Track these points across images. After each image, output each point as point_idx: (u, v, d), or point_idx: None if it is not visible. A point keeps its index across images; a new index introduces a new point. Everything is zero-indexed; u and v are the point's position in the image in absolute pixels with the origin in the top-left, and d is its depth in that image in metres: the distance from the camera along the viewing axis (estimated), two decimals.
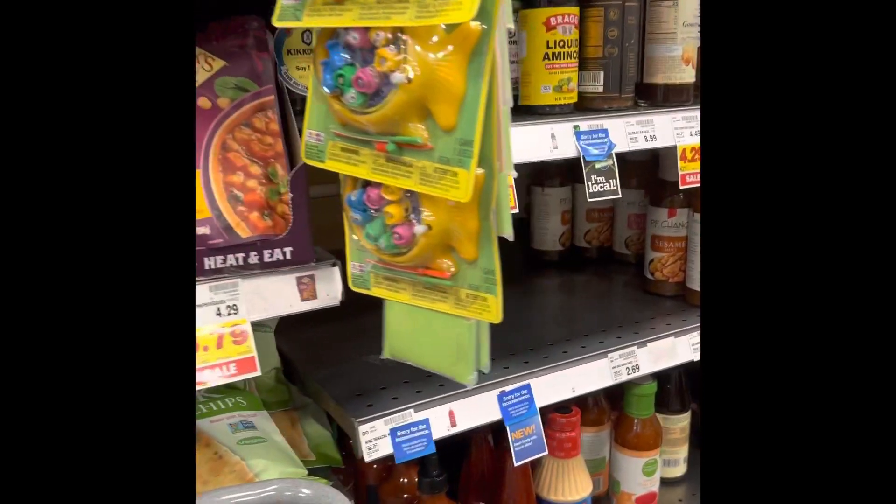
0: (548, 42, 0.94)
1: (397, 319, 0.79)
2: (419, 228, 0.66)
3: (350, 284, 0.79)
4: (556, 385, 1.02)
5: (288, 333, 1.12)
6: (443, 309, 0.72)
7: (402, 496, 1.10)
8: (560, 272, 1.43)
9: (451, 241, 0.68)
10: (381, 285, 0.76)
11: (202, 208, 0.73)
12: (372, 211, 0.69)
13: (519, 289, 1.35)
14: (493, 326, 1.18)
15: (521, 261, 1.49)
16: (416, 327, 0.77)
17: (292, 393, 1.07)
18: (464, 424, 0.95)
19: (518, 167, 0.89)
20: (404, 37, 0.59)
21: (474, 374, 0.74)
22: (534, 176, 1.43)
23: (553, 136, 0.91)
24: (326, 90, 0.64)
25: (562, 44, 0.94)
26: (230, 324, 0.75)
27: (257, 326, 1.07)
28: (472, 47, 0.59)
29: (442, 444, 0.99)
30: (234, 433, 0.92)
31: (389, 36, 0.60)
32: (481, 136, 0.62)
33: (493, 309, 0.69)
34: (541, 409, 1.10)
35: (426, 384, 0.95)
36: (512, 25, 0.69)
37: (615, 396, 1.27)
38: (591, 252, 1.46)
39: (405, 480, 1.10)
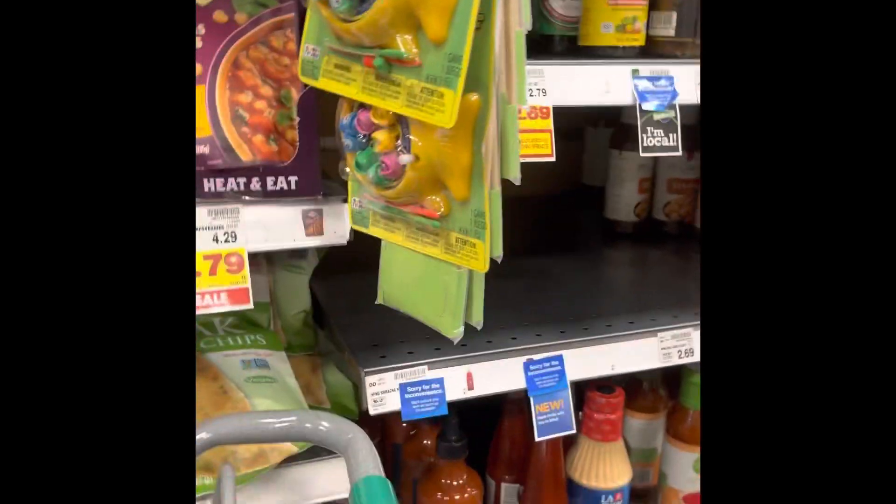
0: None
1: (391, 263, 0.73)
2: (405, 158, 0.59)
3: (349, 221, 0.73)
4: (592, 360, 0.93)
5: (325, 278, 1.08)
6: (432, 253, 0.65)
7: (423, 458, 1.05)
8: (631, 244, 1.32)
9: (441, 177, 0.61)
10: (378, 224, 0.70)
11: (203, 125, 0.70)
12: (361, 137, 0.62)
13: (580, 257, 1.25)
14: (536, 292, 1.11)
15: (592, 230, 1.39)
16: (408, 272, 0.70)
17: (319, 338, 1.04)
18: (482, 389, 0.88)
19: (570, 113, 0.81)
20: None
21: (460, 328, 0.67)
22: (613, 138, 1.32)
23: (606, 80, 0.81)
24: None
25: None
26: (227, 252, 0.71)
27: (291, 267, 1.04)
28: None
29: (473, 407, 0.93)
30: (245, 370, 0.89)
31: None
32: (472, 55, 0.54)
33: (480, 256, 0.61)
34: (579, 384, 1.02)
35: (446, 342, 0.89)
36: None
37: (675, 384, 1.15)
38: (669, 226, 1.34)
39: (428, 442, 1.05)
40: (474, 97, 0.56)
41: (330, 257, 1.05)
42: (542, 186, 1.48)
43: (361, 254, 0.77)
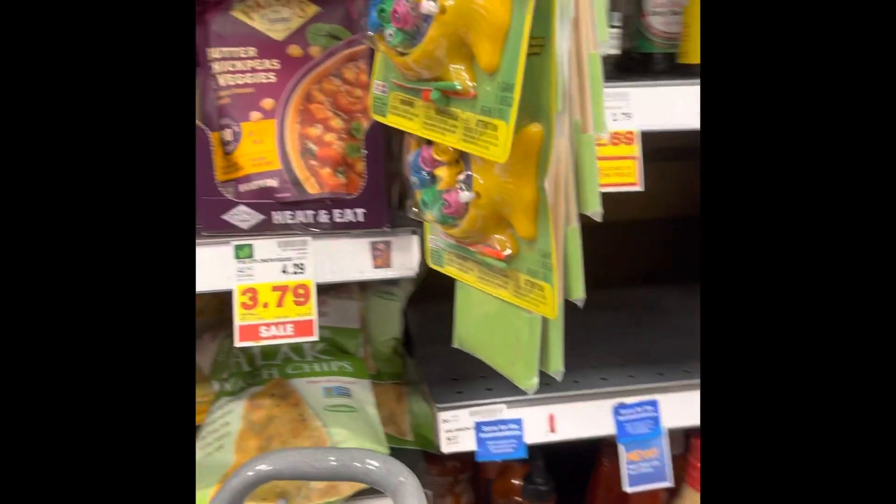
0: None
1: (466, 305, 0.69)
2: (465, 196, 0.56)
3: (428, 258, 0.71)
4: (693, 405, 0.84)
5: (419, 304, 1.07)
6: (503, 296, 0.61)
7: (512, 497, 1.00)
8: None
9: (506, 214, 0.57)
10: (452, 263, 0.67)
11: (272, 160, 0.71)
12: (426, 174, 0.60)
13: (692, 291, 1.15)
14: (635, 328, 1.03)
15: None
16: (481, 315, 0.66)
17: (408, 366, 1.02)
18: (566, 433, 0.83)
19: (658, 137, 0.74)
20: None
21: (534, 380, 0.62)
22: None
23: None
24: (371, 30, 0.56)
25: None
26: (294, 283, 0.72)
27: (384, 293, 1.04)
28: None
29: (568, 448, 0.87)
30: (326, 397, 0.89)
31: None
32: (532, 82, 0.50)
33: (549, 301, 0.56)
34: (683, 432, 0.93)
35: None
36: None
37: None
38: None
39: (517, 482, 1.00)
40: (536, 128, 0.52)
41: (426, 284, 1.04)
42: (658, 209, 1.38)
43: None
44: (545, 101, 0.52)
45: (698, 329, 0.97)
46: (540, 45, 0.51)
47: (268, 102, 0.72)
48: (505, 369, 0.65)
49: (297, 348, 0.97)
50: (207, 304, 1.03)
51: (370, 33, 0.57)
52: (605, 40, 0.57)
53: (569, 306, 0.60)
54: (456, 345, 0.73)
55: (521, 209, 0.56)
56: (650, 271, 1.22)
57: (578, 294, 0.61)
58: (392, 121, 0.63)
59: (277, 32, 0.73)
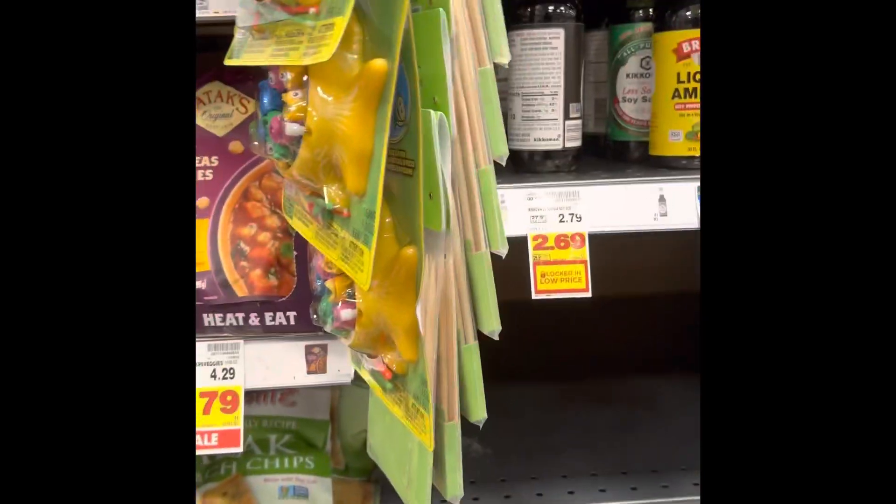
0: (679, 75, 0.71)
1: (375, 412, 0.65)
2: (346, 313, 0.52)
3: (350, 361, 0.67)
4: None
5: None
6: (397, 414, 0.56)
7: None
8: None
9: (389, 335, 0.53)
10: (367, 374, 0.63)
11: (203, 260, 0.68)
12: (320, 283, 0.56)
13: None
14: (624, 428, 0.93)
15: None
16: (385, 427, 0.62)
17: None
18: None
19: (612, 239, 0.68)
20: (308, 77, 0.46)
21: None
22: None
23: (662, 199, 0.68)
24: (258, 140, 0.53)
25: (697, 77, 0.70)
26: (223, 389, 0.69)
27: (357, 382, 1.00)
28: (378, 92, 0.44)
29: None
30: (281, 499, 0.85)
31: (296, 77, 0.47)
32: (404, 206, 0.46)
33: (427, 430, 0.51)
34: None
35: (489, 484, 0.78)
36: (504, 59, 0.51)
37: None
38: None
39: None
40: (411, 250, 0.48)
41: None
42: (669, 283, 1.29)
43: None
44: (416, 224, 0.48)
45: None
46: (411, 167, 0.47)
47: (203, 201, 0.70)
48: (401, 492, 0.60)
49: (261, 441, 0.94)
50: None
51: (255, 143, 0.54)
52: (502, 151, 0.53)
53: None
54: (369, 453, 0.68)
55: (402, 331, 0.51)
56: (649, 357, 1.14)
57: (479, 415, 0.56)
58: (295, 224, 0.61)
59: (219, 129, 0.72)
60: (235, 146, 0.72)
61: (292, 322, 0.68)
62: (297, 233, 0.67)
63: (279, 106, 0.50)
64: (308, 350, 0.70)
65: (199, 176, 0.71)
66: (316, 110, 0.46)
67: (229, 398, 0.69)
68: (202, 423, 0.68)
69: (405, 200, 0.47)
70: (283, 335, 0.69)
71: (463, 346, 0.55)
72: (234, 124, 0.72)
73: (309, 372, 0.70)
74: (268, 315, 0.69)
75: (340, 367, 0.70)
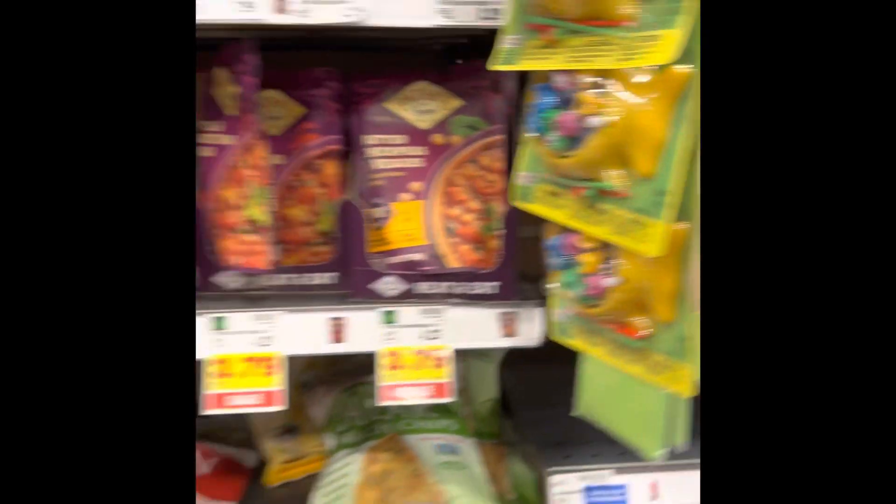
0: None
1: (593, 375, 0.75)
2: (610, 281, 0.63)
3: (550, 331, 0.78)
4: None
5: (514, 368, 1.13)
6: (635, 372, 0.67)
7: None
8: None
9: (646, 299, 0.64)
10: (580, 337, 0.74)
11: (419, 236, 0.79)
12: (567, 258, 0.67)
13: None
14: None
15: None
16: (610, 387, 0.73)
17: (505, 427, 1.08)
18: (667, 501, 0.87)
19: None
20: (609, 80, 0.58)
21: (661, 451, 0.68)
22: None
23: None
24: (532, 133, 0.64)
25: None
26: (432, 347, 0.79)
27: (481, 356, 1.10)
28: (677, 92, 0.55)
29: None
30: (438, 454, 0.95)
31: (594, 80, 0.58)
32: (682, 187, 0.57)
33: (684, 381, 0.63)
34: None
35: None
36: None
37: None
38: None
39: None
40: (682, 226, 0.59)
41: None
42: None
43: (546, 343, 0.81)
44: (693, 203, 0.59)
45: None
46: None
47: (416, 185, 0.80)
48: (632, 439, 0.71)
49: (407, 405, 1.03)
50: (319, 358, 1.11)
51: (529, 135, 0.65)
52: None
53: None
54: (579, 413, 0.79)
55: (663, 297, 0.62)
56: None
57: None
58: (536, 208, 0.71)
59: (424, 122, 0.82)
60: (437, 138, 0.82)
61: (494, 291, 0.79)
62: (506, 214, 0.77)
63: (561, 105, 0.61)
64: (502, 316, 0.81)
65: (412, 163, 0.81)
66: (619, 106, 0.57)
67: (439, 356, 0.79)
68: (416, 376, 0.79)
69: None
70: (480, 303, 0.80)
71: (692, 315, 0.65)
72: (438, 119, 0.82)
73: (502, 335, 0.81)
74: (474, 284, 0.79)
75: (528, 332, 0.81)
